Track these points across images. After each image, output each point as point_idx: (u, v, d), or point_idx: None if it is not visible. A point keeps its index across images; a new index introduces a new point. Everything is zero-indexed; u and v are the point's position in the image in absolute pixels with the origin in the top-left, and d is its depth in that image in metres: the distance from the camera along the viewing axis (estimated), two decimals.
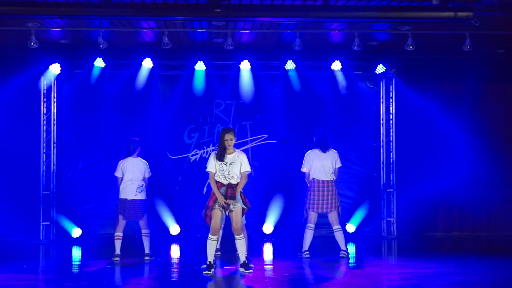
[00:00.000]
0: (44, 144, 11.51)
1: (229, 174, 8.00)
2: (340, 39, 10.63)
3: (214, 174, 8.04)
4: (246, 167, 8.05)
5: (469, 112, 12.02)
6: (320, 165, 9.24)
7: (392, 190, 11.86)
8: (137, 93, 11.64)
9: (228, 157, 8.03)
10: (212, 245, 8.01)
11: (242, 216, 8.20)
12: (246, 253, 8.29)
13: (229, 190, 7.96)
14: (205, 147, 11.88)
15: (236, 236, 8.05)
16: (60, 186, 11.63)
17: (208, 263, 7.99)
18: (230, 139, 8.01)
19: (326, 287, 7.24)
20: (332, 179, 9.27)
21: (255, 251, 10.02)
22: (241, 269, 8.07)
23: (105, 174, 11.56)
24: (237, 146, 10.83)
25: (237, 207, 8.02)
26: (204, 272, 7.96)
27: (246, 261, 8.11)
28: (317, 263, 8.92)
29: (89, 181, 11.72)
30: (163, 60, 11.61)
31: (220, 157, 8.01)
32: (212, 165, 8.05)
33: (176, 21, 9.36)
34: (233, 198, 7.96)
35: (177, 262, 9.47)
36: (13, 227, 11.38)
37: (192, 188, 11.77)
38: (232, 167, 8.00)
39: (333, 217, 9.33)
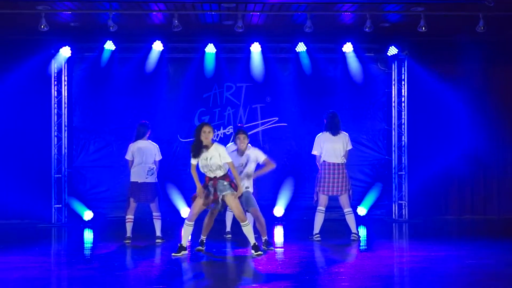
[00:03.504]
0: (55, 128, 11.53)
1: (212, 168, 7.93)
2: (352, 20, 10.52)
3: (196, 166, 7.98)
4: (226, 158, 7.91)
5: (482, 94, 11.89)
6: (331, 147, 9.19)
7: (403, 173, 11.79)
8: (147, 76, 11.62)
9: (208, 152, 7.89)
10: (187, 230, 8.09)
11: (250, 200, 8.24)
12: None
13: (215, 182, 7.94)
14: (215, 130, 11.86)
15: (241, 224, 8.04)
16: (72, 169, 11.68)
17: (179, 245, 8.09)
18: (208, 131, 7.86)
19: (337, 270, 7.23)
20: (342, 162, 9.22)
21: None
22: (252, 251, 8.08)
23: (116, 157, 11.57)
24: (248, 129, 10.84)
25: (228, 195, 7.97)
26: (174, 255, 8.01)
27: (257, 244, 8.10)
28: (328, 246, 8.90)
29: (100, 164, 11.75)
30: (173, 43, 11.55)
31: (196, 154, 7.89)
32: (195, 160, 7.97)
33: (186, 3, 9.29)
34: (220, 190, 7.92)
35: (188, 244, 9.49)
36: (25, 210, 11.46)
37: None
38: (212, 161, 7.90)
39: (344, 200, 9.29)
